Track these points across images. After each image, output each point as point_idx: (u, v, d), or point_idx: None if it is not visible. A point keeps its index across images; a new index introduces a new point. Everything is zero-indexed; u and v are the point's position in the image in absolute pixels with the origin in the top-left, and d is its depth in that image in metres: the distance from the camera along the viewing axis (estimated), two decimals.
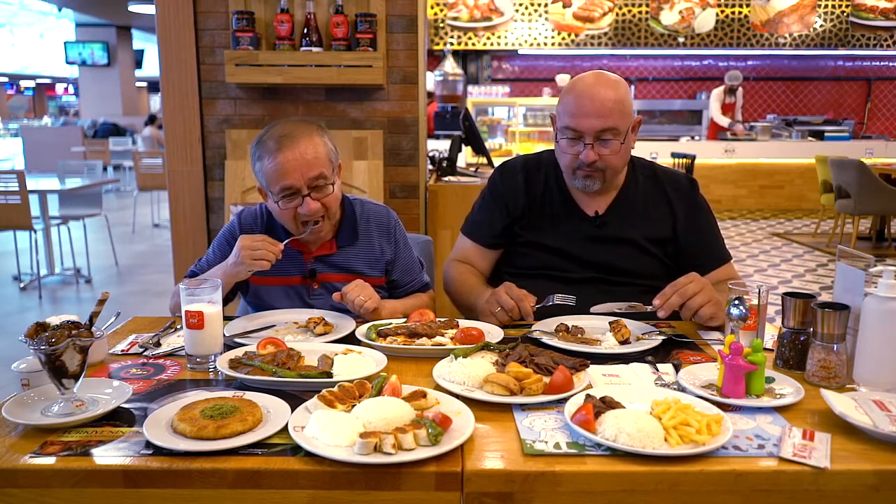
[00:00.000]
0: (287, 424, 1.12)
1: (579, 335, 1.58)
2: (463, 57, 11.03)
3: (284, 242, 1.73)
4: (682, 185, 1.95)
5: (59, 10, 13.68)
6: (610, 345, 1.54)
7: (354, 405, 1.16)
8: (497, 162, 4.48)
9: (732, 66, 11.59)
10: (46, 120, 21.69)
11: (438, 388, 1.29)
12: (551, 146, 1.95)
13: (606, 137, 1.76)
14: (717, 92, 9.55)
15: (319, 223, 1.78)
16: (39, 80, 26.69)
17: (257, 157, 1.76)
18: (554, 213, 1.93)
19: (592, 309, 1.69)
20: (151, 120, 13.75)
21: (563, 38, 10.57)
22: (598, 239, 1.89)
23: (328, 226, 1.82)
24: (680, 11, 10.46)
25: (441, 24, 10.50)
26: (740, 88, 9.50)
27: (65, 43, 15.71)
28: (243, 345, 1.52)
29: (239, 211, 1.96)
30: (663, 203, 1.92)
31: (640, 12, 10.47)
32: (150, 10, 8.87)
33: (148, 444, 1.08)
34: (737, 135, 9.40)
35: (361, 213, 1.93)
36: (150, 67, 17.27)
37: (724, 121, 9.49)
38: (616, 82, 1.79)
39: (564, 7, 10.45)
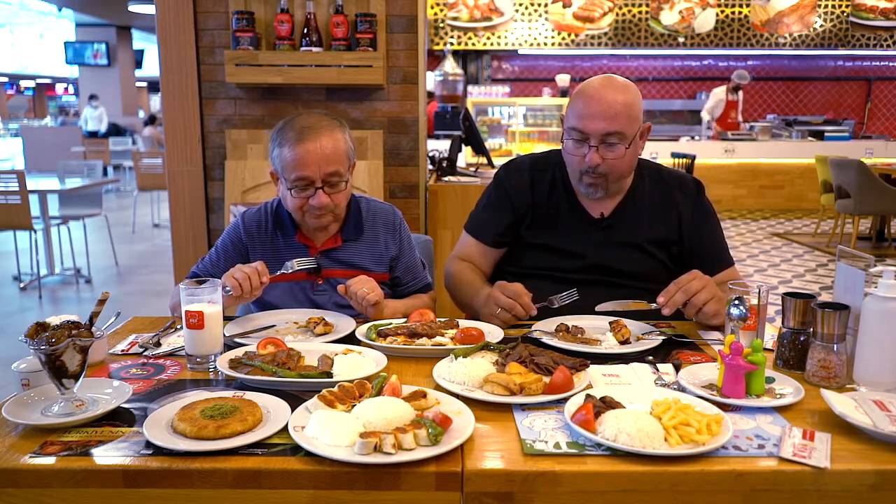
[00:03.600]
0: (287, 424, 1.12)
1: (579, 335, 1.58)
2: (463, 57, 11.03)
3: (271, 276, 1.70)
4: (689, 189, 1.94)
5: (59, 10, 13.68)
6: (610, 345, 1.54)
7: (354, 405, 1.16)
8: (497, 162, 4.49)
9: (733, 66, 11.61)
10: (47, 119, 21.68)
11: (438, 388, 1.29)
12: (552, 146, 1.95)
13: (612, 142, 1.75)
14: (718, 91, 9.65)
15: (323, 217, 1.80)
16: (39, 80, 26.67)
17: (277, 144, 1.77)
18: (559, 214, 1.92)
19: (597, 307, 1.69)
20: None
21: (563, 38, 10.57)
22: (602, 241, 1.88)
23: (330, 218, 1.83)
24: (680, 11, 10.46)
25: (441, 24, 10.50)
26: (741, 91, 9.62)
27: (65, 43, 15.70)
28: (243, 345, 1.52)
29: (242, 212, 1.96)
30: (669, 206, 1.91)
31: (640, 12, 10.47)
32: (150, 10, 8.88)
33: (148, 444, 1.08)
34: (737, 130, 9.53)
35: (367, 210, 1.94)
36: (150, 67, 17.26)
37: (707, 116, 9.66)
38: (626, 86, 1.78)
39: (564, 7, 10.45)
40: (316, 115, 1.82)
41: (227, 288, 1.61)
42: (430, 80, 4.76)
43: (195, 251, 3.18)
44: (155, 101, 22.99)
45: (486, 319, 1.73)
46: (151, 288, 5.70)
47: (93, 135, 13.92)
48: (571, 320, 1.66)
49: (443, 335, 1.57)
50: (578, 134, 1.78)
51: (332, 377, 1.32)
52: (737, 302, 1.46)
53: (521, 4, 10.47)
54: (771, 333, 1.58)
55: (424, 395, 1.21)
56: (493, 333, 1.61)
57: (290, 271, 1.76)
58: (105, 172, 9.59)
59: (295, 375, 1.32)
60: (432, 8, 10.37)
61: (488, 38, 10.56)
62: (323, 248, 1.87)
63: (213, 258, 1.92)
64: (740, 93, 9.65)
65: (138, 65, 17.15)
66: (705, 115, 9.80)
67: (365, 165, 3.09)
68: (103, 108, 14.53)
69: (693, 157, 7.78)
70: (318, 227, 1.84)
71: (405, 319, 1.71)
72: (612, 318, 1.63)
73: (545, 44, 10.59)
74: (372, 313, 1.72)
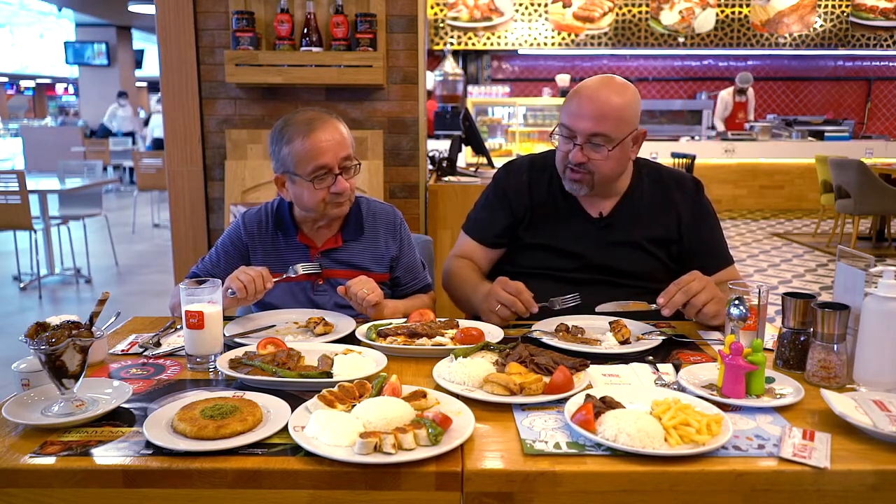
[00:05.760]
0: (287, 424, 1.12)
1: (579, 335, 1.58)
2: (463, 57, 11.03)
3: (274, 280, 1.71)
4: (688, 188, 1.94)
5: (59, 10, 13.66)
6: (610, 345, 1.54)
7: (354, 405, 1.16)
8: (497, 162, 4.50)
9: (732, 66, 11.63)
10: (47, 120, 21.66)
11: (438, 388, 1.29)
12: (551, 146, 1.95)
13: (597, 142, 1.76)
14: (724, 94, 9.70)
15: (344, 204, 1.83)
16: (39, 80, 26.65)
17: (285, 141, 1.78)
18: (558, 213, 1.92)
19: (597, 308, 1.69)
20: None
21: (563, 38, 10.57)
22: (601, 240, 1.89)
23: (348, 205, 1.86)
24: (680, 11, 10.46)
25: (441, 24, 10.50)
26: (751, 89, 9.65)
27: (65, 43, 15.69)
28: (243, 345, 1.52)
29: (242, 213, 1.96)
30: (668, 205, 1.91)
31: (640, 12, 10.47)
32: (150, 10, 8.86)
33: (148, 444, 1.08)
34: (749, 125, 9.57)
35: (368, 210, 1.95)
36: (150, 67, 17.25)
37: (721, 125, 9.67)
38: (623, 89, 1.77)
39: (564, 7, 10.45)
40: (311, 109, 1.84)
41: (232, 290, 1.61)
42: (430, 80, 4.76)
43: (195, 251, 3.18)
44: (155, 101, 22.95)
45: (485, 316, 1.73)
46: (151, 288, 5.70)
47: (126, 135, 13.73)
48: (571, 320, 1.66)
49: (443, 335, 1.57)
50: (567, 131, 1.79)
51: (332, 377, 1.32)
52: (737, 302, 1.46)
53: (521, 4, 10.47)
54: (771, 333, 1.58)
55: (424, 395, 1.21)
56: (493, 333, 1.61)
57: (295, 275, 1.77)
58: (105, 172, 9.58)
59: (295, 375, 1.32)
60: (432, 8, 10.37)
61: (488, 38, 10.56)
62: (323, 249, 1.88)
63: (214, 258, 1.92)
64: (749, 93, 9.69)
65: (138, 65, 17.14)
66: (720, 125, 9.80)
67: (365, 165, 3.09)
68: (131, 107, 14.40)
69: (693, 157, 7.78)
70: (340, 216, 1.86)
71: (405, 319, 1.71)
72: (611, 318, 1.63)
73: (545, 44, 10.59)
74: (372, 314, 1.72)
